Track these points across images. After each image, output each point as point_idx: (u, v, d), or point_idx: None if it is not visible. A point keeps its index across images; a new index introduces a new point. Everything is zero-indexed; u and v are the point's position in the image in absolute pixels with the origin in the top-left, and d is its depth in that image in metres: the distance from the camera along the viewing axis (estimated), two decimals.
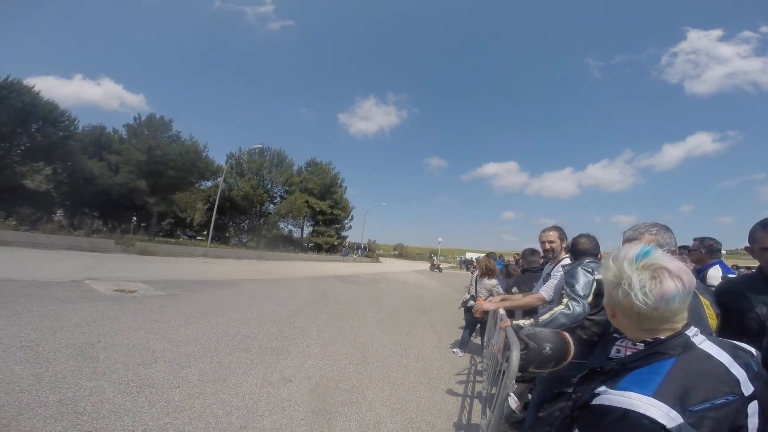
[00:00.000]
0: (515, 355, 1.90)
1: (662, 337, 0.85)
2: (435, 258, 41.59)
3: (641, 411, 0.73)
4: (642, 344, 0.88)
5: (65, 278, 7.44)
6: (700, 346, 0.85)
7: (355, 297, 10.55)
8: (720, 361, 0.83)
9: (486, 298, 5.02)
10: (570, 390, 1.01)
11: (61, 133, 25.52)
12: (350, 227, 46.46)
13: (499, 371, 2.61)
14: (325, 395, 3.38)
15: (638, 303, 0.83)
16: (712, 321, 1.35)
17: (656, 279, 0.82)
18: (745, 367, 0.84)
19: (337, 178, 43.88)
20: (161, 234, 30.70)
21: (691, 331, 0.86)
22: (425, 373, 4.37)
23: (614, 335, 1.06)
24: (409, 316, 8.33)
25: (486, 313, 5.16)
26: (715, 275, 3.24)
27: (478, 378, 4.40)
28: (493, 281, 5.44)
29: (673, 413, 0.72)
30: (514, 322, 2.54)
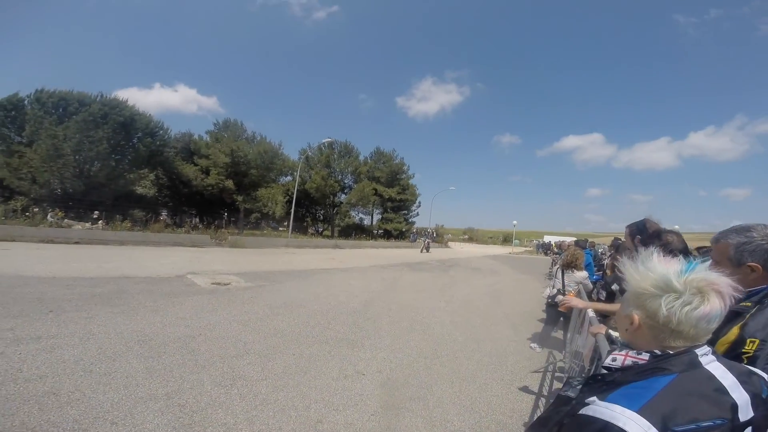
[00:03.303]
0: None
1: (671, 352, 0.83)
2: (425, 239, 33.19)
3: (620, 425, 0.72)
4: (646, 355, 0.85)
5: (171, 273, 8.56)
6: (705, 366, 0.82)
7: (425, 286, 10.61)
8: (721, 383, 0.80)
9: (576, 293, 4.71)
10: (572, 394, 0.95)
11: (158, 142, 28.97)
12: (417, 213, 46.61)
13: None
14: (395, 390, 3.48)
15: (681, 319, 0.80)
16: None
17: (704, 296, 0.80)
18: (752, 392, 0.81)
19: (402, 165, 44.04)
20: (248, 227, 33.70)
21: (702, 350, 0.83)
22: (498, 370, 4.28)
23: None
24: (483, 306, 8.16)
25: (570, 308, 4.86)
26: None
27: (557, 374, 4.19)
28: (583, 273, 5.06)
29: (653, 431, 0.71)
30: (609, 330, 2.36)
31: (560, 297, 4.98)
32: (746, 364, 1.18)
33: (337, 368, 3.88)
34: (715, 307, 0.79)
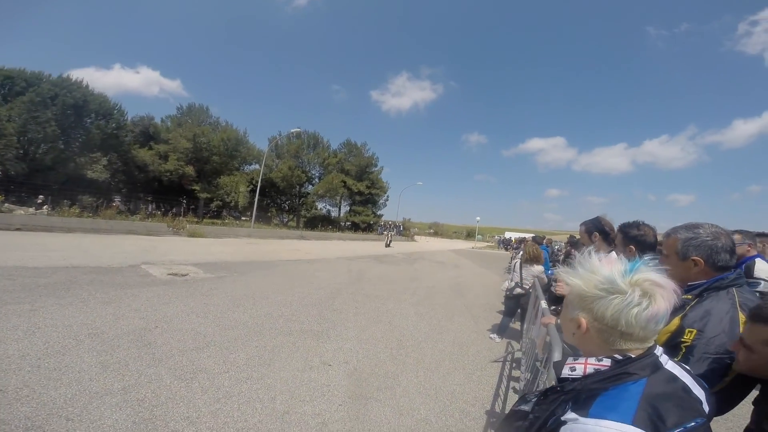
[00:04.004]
0: (557, 357, 1.89)
1: (633, 356, 0.82)
2: (387, 232, 31.14)
3: None
4: (607, 360, 0.83)
5: (124, 263, 8.10)
6: (666, 367, 0.83)
7: (391, 278, 10.72)
8: (684, 383, 0.82)
9: (532, 285, 4.93)
10: (527, 408, 0.93)
11: (113, 125, 27.24)
12: (386, 206, 46.88)
13: (539, 363, 2.59)
14: (362, 380, 3.52)
15: (630, 321, 0.78)
16: None
17: (650, 297, 0.78)
18: (704, 388, 0.86)
19: (372, 158, 44.00)
20: (209, 216, 32.48)
21: (659, 351, 0.84)
22: (460, 359, 4.41)
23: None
24: (445, 298, 8.37)
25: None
26: (763, 268, 2.99)
27: (515, 364, 4.39)
28: (540, 267, 5.32)
29: None
30: (559, 321, 2.49)
31: (518, 290, 5.22)
32: (684, 353, 1.26)
33: (303, 360, 3.85)
34: (661, 307, 0.78)
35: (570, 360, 0.88)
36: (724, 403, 1.31)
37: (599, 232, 2.85)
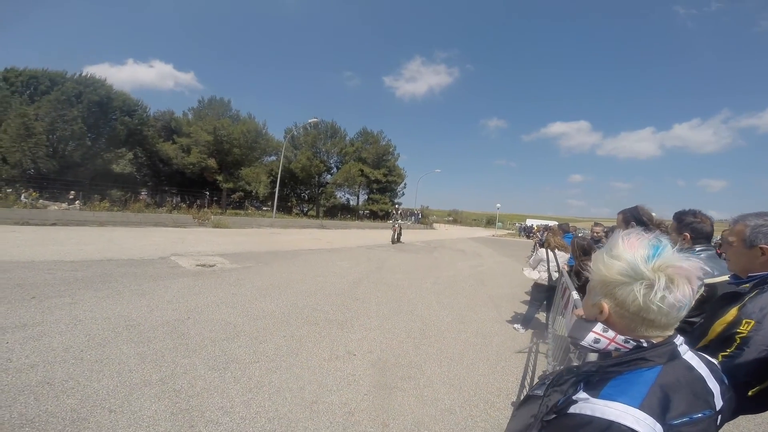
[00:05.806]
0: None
1: (654, 342, 0.80)
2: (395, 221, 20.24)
3: (628, 424, 0.69)
4: (633, 343, 0.81)
5: (154, 255, 8.41)
6: (684, 356, 0.82)
7: (412, 267, 10.75)
8: (700, 374, 0.82)
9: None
10: (541, 392, 0.92)
11: (137, 121, 28.05)
12: (403, 194, 46.85)
13: (572, 355, 2.56)
14: (386, 370, 3.58)
15: (652, 308, 0.76)
16: None
17: (673, 283, 0.76)
18: (720, 381, 0.84)
19: (389, 146, 43.86)
20: (231, 207, 33.22)
21: (678, 340, 0.83)
22: (484, 350, 4.42)
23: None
24: (467, 287, 8.35)
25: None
26: None
27: (540, 354, 4.37)
28: (567, 255, 5.23)
29: (658, 427, 0.70)
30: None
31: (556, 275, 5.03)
32: (739, 344, 1.23)
33: (328, 349, 3.95)
34: (685, 294, 0.76)
35: (599, 328, 0.84)
36: None
37: (636, 221, 2.79)
